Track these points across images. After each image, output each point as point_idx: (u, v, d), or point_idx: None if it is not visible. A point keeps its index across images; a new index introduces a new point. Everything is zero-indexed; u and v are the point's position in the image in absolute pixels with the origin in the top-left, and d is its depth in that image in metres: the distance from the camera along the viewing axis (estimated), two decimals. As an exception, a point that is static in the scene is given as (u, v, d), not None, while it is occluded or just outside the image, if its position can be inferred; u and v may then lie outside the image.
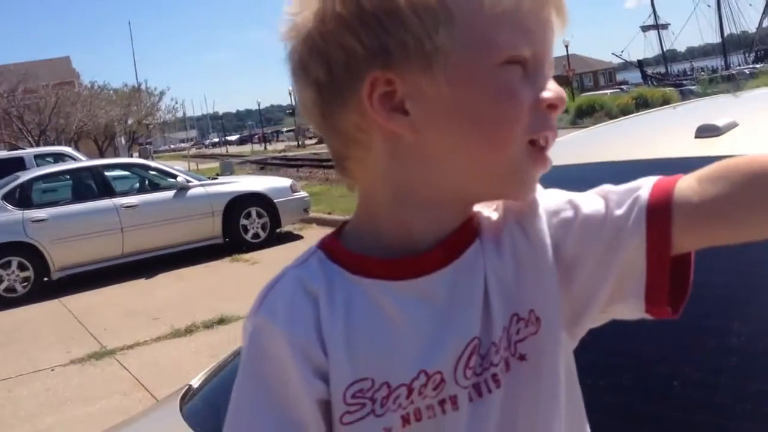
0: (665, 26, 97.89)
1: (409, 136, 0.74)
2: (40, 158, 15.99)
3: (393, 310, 0.76)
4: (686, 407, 1.14)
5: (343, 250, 0.79)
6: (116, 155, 33.65)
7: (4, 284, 9.75)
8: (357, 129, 0.75)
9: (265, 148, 64.20)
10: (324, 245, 0.81)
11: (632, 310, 0.77)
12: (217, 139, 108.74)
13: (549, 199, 0.80)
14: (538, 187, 0.79)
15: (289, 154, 42.82)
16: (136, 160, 14.98)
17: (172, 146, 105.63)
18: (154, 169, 11.85)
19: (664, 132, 2.01)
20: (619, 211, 0.75)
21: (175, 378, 5.47)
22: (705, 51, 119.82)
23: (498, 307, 0.76)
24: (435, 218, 0.77)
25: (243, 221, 11.11)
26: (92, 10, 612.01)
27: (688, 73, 77.96)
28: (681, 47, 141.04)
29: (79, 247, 10.08)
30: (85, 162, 13.55)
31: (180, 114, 65.80)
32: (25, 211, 10.00)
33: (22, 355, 7.14)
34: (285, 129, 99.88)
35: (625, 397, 1.19)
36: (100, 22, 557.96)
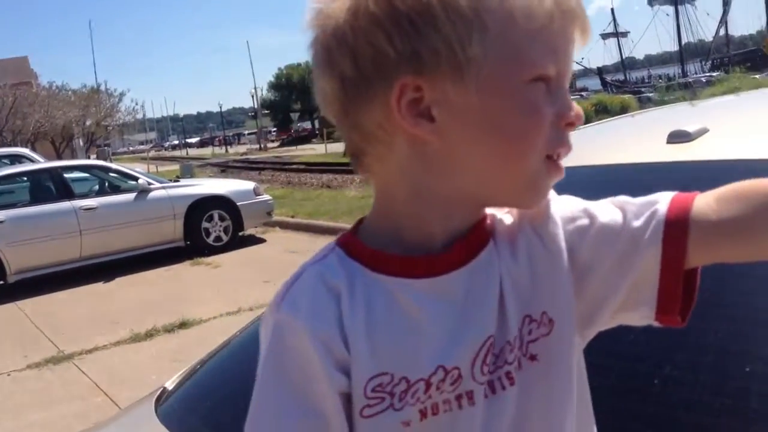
0: (625, 34, 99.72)
1: (433, 142, 0.75)
2: (-4, 159, 15.71)
3: (412, 307, 0.77)
4: (687, 408, 1.16)
5: (362, 247, 0.80)
6: (73, 157, 32.99)
7: (-41, 287, 9.54)
8: (379, 128, 0.76)
9: (227, 150, 63.67)
10: (342, 242, 0.82)
11: (642, 317, 0.80)
12: (177, 142, 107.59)
13: (564, 206, 0.82)
14: (552, 193, 0.81)
15: (251, 157, 42.62)
16: (96, 162, 14.70)
17: (131, 148, 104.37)
18: (115, 171, 11.68)
19: (636, 137, 2.04)
20: (637, 223, 0.78)
21: (135, 382, 5.42)
22: (663, 59, 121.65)
23: (513, 308, 0.79)
24: (446, 215, 0.79)
25: (205, 224, 11.01)
26: (52, 9, 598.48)
27: (646, 80, 79.06)
28: (640, 55, 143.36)
29: (37, 250, 9.91)
30: (44, 163, 13.31)
31: (140, 116, 65.07)
32: (-20, 214, 9.79)
33: (-22, 360, 6.99)
34: (247, 132, 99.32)
35: (620, 397, 1.19)
36: (60, 22, 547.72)
